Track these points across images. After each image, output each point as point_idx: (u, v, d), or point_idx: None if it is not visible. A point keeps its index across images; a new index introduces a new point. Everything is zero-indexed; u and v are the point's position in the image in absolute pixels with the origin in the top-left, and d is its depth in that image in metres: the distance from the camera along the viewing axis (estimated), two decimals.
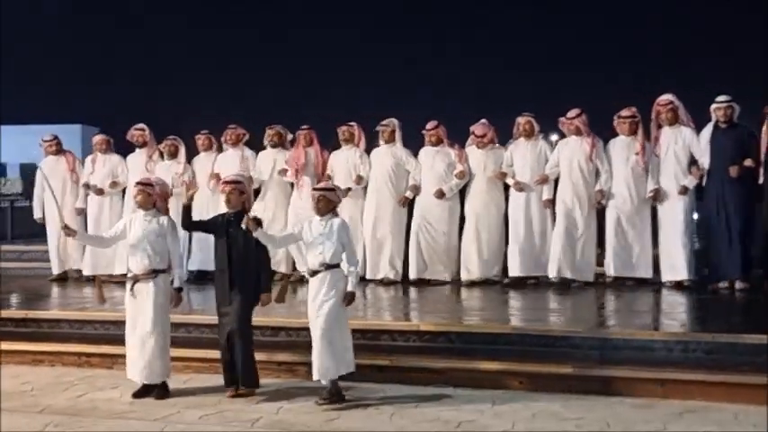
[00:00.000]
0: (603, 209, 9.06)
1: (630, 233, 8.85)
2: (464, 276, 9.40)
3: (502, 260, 9.42)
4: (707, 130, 8.51)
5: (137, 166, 10.58)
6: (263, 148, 10.36)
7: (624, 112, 8.98)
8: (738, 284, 8.28)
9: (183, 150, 10.56)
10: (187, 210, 6.14)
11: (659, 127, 8.75)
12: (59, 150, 10.81)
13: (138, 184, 6.27)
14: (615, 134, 9.12)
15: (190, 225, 6.24)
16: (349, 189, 9.51)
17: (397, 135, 9.81)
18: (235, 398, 5.98)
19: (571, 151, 9.10)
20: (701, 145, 8.48)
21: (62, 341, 7.41)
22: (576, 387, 5.97)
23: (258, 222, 5.83)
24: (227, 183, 6.13)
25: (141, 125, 10.76)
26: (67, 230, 6.13)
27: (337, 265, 5.82)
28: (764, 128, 8.19)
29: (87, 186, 10.54)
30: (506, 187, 9.52)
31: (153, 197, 6.19)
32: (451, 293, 8.90)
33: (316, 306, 5.83)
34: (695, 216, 8.89)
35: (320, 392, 5.86)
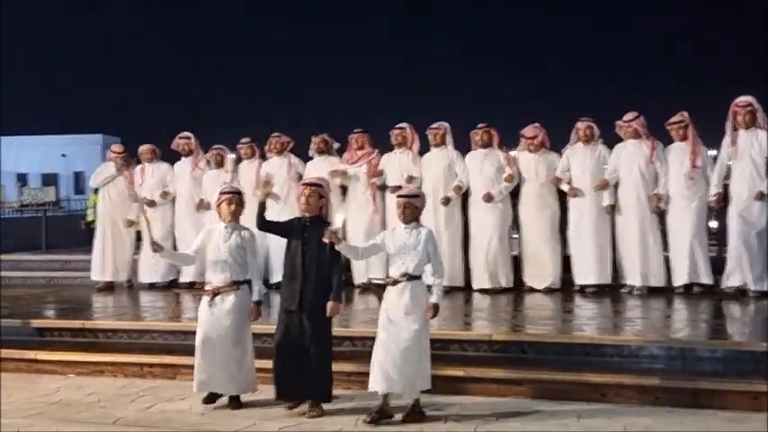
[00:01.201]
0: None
1: (688, 240, 8.62)
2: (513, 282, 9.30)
3: (559, 267, 9.25)
4: None
5: (183, 174, 10.50)
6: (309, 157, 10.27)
7: (673, 118, 8.79)
8: None
9: (229, 158, 10.44)
10: (262, 208, 5.87)
11: (735, 129, 8.47)
12: (124, 162, 10.74)
13: (230, 193, 6.07)
14: (670, 141, 8.94)
15: (264, 225, 5.92)
16: (399, 187, 9.38)
17: (448, 137, 9.66)
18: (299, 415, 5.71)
19: (630, 155, 8.93)
20: None
21: (123, 351, 7.29)
22: (662, 399, 5.76)
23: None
24: (306, 185, 5.88)
25: (186, 133, 10.67)
26: (155, 247, 5.94)
27: (419, 277, 5.60)
28: None
29: (137, 200, 10.44)
30: (562, 193, 9.34)
31: (243, 205, 6.06)
32: (511, 301, 8.71)
33: (396, 319, 5.56)
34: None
35: (400, 405, 5.67)
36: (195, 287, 7.18)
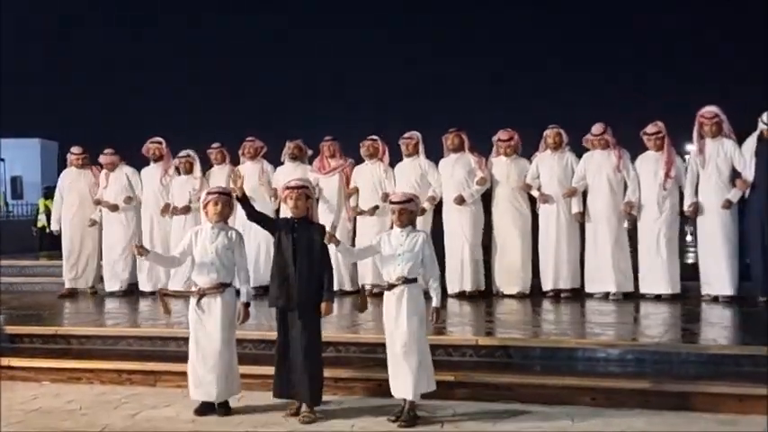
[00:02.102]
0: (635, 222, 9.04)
1: (660, 249, 8.77)
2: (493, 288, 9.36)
3: (530, 272, 9.32)
4: (751, 141, 8.39)
5: (152, 181, 10.30)
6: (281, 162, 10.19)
7: (649, 129, 8.90)
8: None
9: (198, 165, 10.26)
10: (244, 200, 5.75)
11: (701, 138, 8.59)
12: (85, 164, 10.50)
13: (216, 193, 5.91)
14: (644, 149, 9.06)
15: (254, 214, 5.79)
16: (376, 207, 9.44)
17: (420, 147, 9.67)
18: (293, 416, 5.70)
19: (598, 164, 9.06)
20: (744, 157, 8.36)
21: (100, 358, 7.11)
22: (652, 402, 5.82)
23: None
24: (293, 188, 5.78)
25: (158, 138, 10.44)
26: (141, 250, 5.78)
27: (415, 280, 5.60)
28: None
29: (98, 203, 10.22)
30: (533, 198, 9.43)
31: (232, 207, 5.94)
32: (486, 306, 8.70)
33: (396, 323, 5.57)
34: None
35: (392, 410, 5.64)
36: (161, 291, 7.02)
